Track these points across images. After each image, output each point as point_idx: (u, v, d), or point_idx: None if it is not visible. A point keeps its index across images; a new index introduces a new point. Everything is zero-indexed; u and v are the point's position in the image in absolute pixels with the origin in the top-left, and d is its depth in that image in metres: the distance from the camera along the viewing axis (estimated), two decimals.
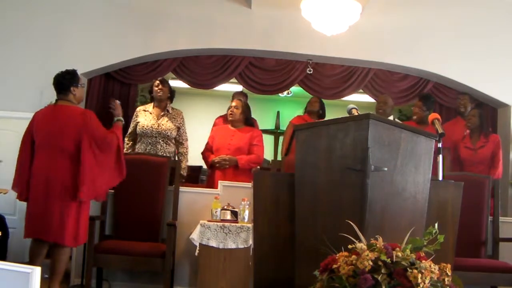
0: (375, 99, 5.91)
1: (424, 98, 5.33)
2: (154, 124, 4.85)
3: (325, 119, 4.77)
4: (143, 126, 4.84)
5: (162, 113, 4.92)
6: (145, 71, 5.87)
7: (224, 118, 5.48)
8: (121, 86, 5.98)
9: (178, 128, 4.94)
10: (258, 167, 5.01)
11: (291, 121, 5.60)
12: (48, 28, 5.60)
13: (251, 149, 4.93)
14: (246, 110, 5.06)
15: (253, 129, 5.08)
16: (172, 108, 5.04)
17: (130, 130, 4.97)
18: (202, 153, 5.10)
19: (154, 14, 5.77)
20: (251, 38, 5.82)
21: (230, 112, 5.01)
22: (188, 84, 6.16)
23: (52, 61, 5.24)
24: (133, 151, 4.87)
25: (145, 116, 4.91)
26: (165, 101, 4.96)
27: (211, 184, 4.92)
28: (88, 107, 5.62)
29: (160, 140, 4.83)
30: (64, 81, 3.84)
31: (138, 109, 5.05)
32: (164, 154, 4.77)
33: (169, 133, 4.85)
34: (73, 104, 3.88)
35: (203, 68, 6.00)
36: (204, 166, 5.71)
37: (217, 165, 4.85)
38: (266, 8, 5.78)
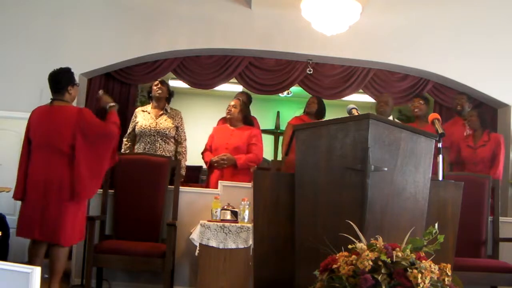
0: (375, 99, 5.90)
1: (418, 95, 5.59)
2: (152, 123, 4.88)
3: (325, 119, 4.75)
4: (142, 126, 4.87)
5: (161, 113, 4.96)
6: (145, 71, 5.87)
7: (225, 119, 5.48)
8: (121, 86, 5.98)
9: (177, 128, 4.95)
10: (256, 166, 4.99)
11: (289, 122, 5.61)
12: (48, 28, 5.61)
13: (249, 148, 4.91)
14: (244, 109, 5.06)
15: (251, 128, 5.05)
16: (171, 108, 5.08)
17: (129, 131, 4.99)
18: (202, 153, 5.10)
19: (154, 14, 5.77)
20: (251, 38, 5.82)
21: (228, 111, 5.03)
22: (188, 84, 6.16)
23: (52, 61, 5.20)
24: (132, 152, 4.87)
25: (144, 116, 4.95)
26: (164, 101, 5.01)
27: (210, 184, 4.91)
28: (88, 107, 5.62)
29: (158, 139, 4.85)
30: (62, 80, 3.81)
31: (137, 110, 5.09)
32: (164, 153, 4.78)
33: (167, 132, 4.87)
34: (68, 103, 3.85)
35: (203, 68, 5.99)
36: (204, 166, 5.70)
37: (216, 164, 4.85)
38: (266, 8, 5.78)
